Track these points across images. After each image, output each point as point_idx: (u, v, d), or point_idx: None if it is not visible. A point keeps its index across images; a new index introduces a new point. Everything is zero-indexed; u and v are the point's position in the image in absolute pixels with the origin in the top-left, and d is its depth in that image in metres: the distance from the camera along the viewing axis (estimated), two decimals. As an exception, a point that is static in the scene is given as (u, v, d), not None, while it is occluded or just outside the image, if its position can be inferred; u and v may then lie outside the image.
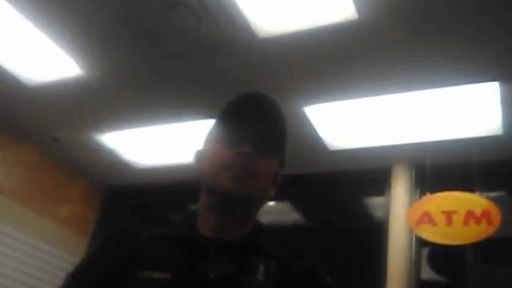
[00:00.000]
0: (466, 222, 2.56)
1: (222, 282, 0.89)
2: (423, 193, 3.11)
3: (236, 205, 0.97)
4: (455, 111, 2.75)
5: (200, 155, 1.05)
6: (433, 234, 2.66)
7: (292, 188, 3.07)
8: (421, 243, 3.04)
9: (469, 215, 2.55)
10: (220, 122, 1.04)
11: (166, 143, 3.54)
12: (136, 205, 4.22)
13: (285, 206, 3.80)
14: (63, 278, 0.97)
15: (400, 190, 3.25)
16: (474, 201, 2.62)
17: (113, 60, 2.84)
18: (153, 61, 2.76)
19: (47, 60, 2.88)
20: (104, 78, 2.99)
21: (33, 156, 3.88)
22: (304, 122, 3.00)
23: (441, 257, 3.16)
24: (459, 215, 2.58)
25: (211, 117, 3.08)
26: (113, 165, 3.94)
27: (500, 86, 2.52)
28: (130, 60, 2.81)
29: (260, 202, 1.01)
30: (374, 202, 3.67)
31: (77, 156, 3.96)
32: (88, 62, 2.88)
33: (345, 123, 3.01)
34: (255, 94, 1.06)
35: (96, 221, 4.32)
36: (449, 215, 2.60)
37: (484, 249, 2.79)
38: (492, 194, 2.98)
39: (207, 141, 1.05)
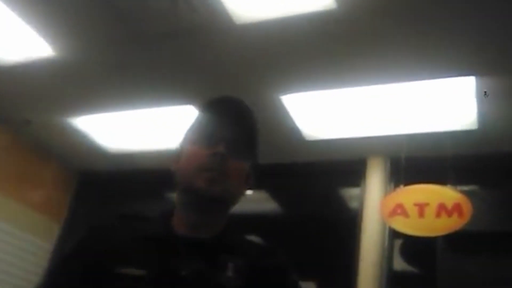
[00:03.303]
0: (438, 215, 2.58)
1: (193, 279, 0.93)
2: (397, 185, 3.13)
3: (211, 205, 1.02)
4: (431, 104, 2.76)
5: (177, 155, 1.08)
6: (406, 226, 2.68)
7: (268, 177, 3.07)
8: (394, 234, 3.07)
9: (441, 207, 2.57)
10: (196, 123, 1.09)
11: (140, 129, 3.47)
12: (110, 190, 4.16)
13: (260, 195, 3.78)
14: (40, 274, 0.97)
15: (374, 181, 3.26)
16: (446, 194, 2.64)
17: (86, 42, 2.76)
18: (128, 43, 2.68)
19: (17, 40, 2.78)
20: (77, 60, 2.90)
21: (3, 139, 3.78)
22: (281, 110, 2.97)
23: (413, 248, 3.20)
24: (431, 208, 2.59)
25: (186, 103, 3.04)
26: (86, 149, 3.86)
27: (476, 80, 2.53)
28: (104, 42, 2.73)
29: (233, 201, 1.06)
30: (349, 193, 3.68)
31: (49, 139, 3.87)
32: (60, 43, 2.79)
33: (322, 113, 3.00)
34: (229, 98, 1.10)
35: (69, 206, 4.25)
36: (421, 207, 2.62)
37: (455, 241, 2.82)
38: (466, 188, 3.01)
39: (184, 142, 1.09)
